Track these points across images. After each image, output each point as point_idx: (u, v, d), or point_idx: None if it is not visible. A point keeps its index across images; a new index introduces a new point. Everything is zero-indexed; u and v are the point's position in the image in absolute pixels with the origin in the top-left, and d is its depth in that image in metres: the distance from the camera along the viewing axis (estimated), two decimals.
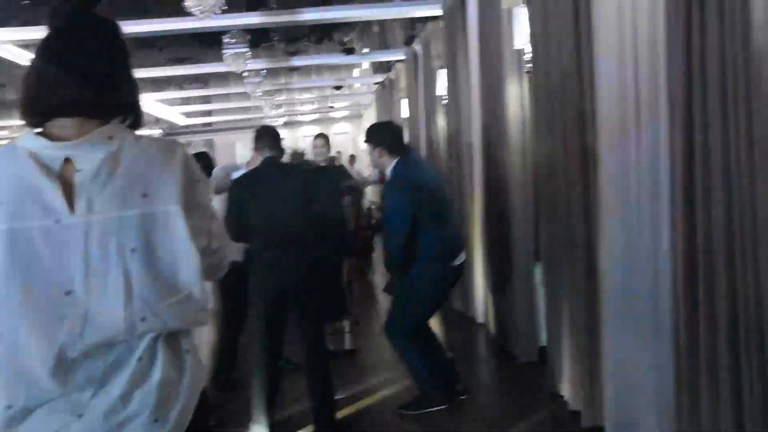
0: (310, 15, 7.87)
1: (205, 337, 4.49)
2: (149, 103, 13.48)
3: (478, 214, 6.36)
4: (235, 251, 4.19)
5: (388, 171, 4.55)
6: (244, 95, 14.72)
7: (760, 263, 2.35)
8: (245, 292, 4.24)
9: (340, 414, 4.43)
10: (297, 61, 13.13)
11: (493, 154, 5.64)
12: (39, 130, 1.56)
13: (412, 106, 9.61)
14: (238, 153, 19.51)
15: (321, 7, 7.73)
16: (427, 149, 8.60)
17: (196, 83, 17.94)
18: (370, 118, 17.51)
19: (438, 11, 7.26)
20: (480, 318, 6.59)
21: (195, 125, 20.71)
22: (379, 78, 13.85)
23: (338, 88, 15.91)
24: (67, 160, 1.51)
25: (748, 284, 2.42)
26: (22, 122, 1.60)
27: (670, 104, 2.82)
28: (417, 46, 8.93)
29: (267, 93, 14.11)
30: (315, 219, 4.21)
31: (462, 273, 4.88)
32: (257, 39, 13.75)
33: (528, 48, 4.60)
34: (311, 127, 21.59)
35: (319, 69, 19.35)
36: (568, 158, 3.93)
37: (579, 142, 3.79)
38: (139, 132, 1.67)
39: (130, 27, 7.14)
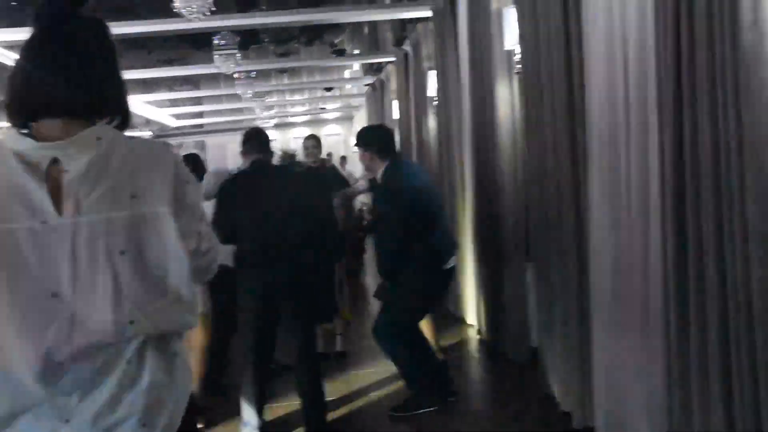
0: (300, 16, 7.87)
1: (195, 340, 4.46)
2: (140, 104, 13.43)
3: (469, 215, 6.35)
4: (224, 255, 4.18)
5: (379, 174, 4.54)
6: (235, 97, 14.69)
7: (751, 263, 2.35)
8: (235, 294, 4.22)
9: (331, 416, 4.41)
10: (288, 63, 13.11)
11: (484, 155, 5.64)
12: (25, 131, 1.55)
13: (403, 108, 9.60)
14: (230, 154, 19.45)
15: (311, 9, 7.71)
16: (418, 151, 8.59)
17: (186, 85, 17.90)
18: (361, 119, 17.50)
19: (428, 12, 7.25)
20: (471, 319, 6.59)
21: (186, 127, 20.64)
22: (370, 80, 13.85)
23: (329, 89, 15.91)
24: (54, 161, 1.49)
25: (738, 284, 2.42)
26: (8, 123, 1.58)
27: (659, 104, 2.82)
28: (407, 48, 8.92)
29: (258, 94, 14.09)
30: (304, 221, 4.19)
31: (453, 276, 4.88)
32: (248, 40, 13.74)
33: (518, 49, 4.60)
34: (302, 129, 21.57)
35: (309, 70, 19.36)
36: (558, 159, 3.93)
37: (569, 142, 3.79)
38: (128, 133, 1.66)
39: (120, 28, 7.10)
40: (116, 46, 1.67)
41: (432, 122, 7.88)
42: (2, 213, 1.46)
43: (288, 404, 4.64)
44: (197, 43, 13.45)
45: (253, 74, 12.02)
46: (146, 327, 1.52)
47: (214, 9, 5.88)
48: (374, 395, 5.04)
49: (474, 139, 5.94)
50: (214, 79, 15.69)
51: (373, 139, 4.63)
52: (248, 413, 4.18)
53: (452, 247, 4.72)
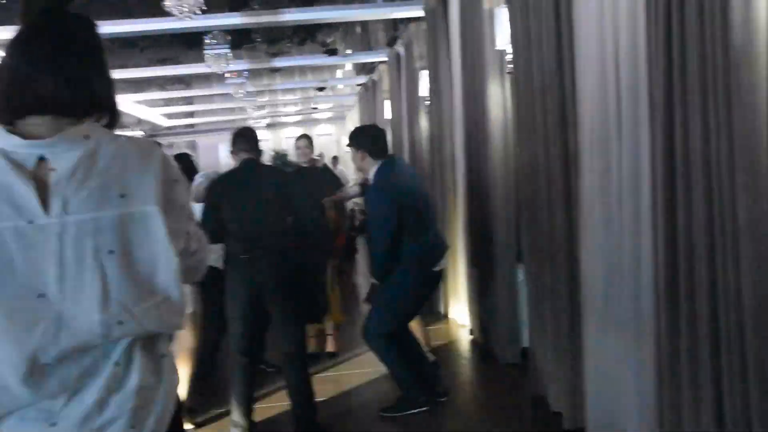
0: (292, 16, 7.84)
1: (184, 341, 4.44)
2: (131, 104, 13.39)
3: (461, 215, 6.35)
4: (214, 257, 4.16)
5: (371, 175, 4.54)
6: (227, 96, 14.64)
7: (741, 263, 2.35)
8: (225, 294, 4.21)
9: (321, 416, 4.40)
10: (280, 62, 13.08)
11: (476, 155, 5.64)
12: (10, 128, 1.52)
13: (395, 108, 9.59)
14: (221, 154, 19.41)
15: (303, 8, 7.69)
16: (410, 151, 8.58)
17: (178, 84, 17.85)
18: (353, 119, 17.49)
19: (420, 12, 7.25)
20: (462, 319, 6.58)
21: (177, 127, 20.59)
22: (362, 79, 13.83)
23: (321, 89, 15.88)
24: (41, 159, 1.47)
25: (729, 284, 2.42)
26: None
27: (650, 104, 2.83)
28: (399, 48, 8.92)
29: (250, 94, 14.05)
30: (293, 220, 4.18)
31: (441, 278, 4.88)
32: (240, 40, 13.71)
33: (509, 48, 4.60)
34: (294, 129, 21.53)
35: (302, 70, 19.33)
36: (549, 159, 3.92)
37: (560, 142, 3.79)
38: (116, 132, 1.64)
39: (111, 27, 7.08)
40: (105, 44, 1.65)
41: (424, 122, 7.87)
42: None
43: (277, 405, 4.63)
44: (189, 43, 13.40)
45: (245, 74, 11.98)
46: (134, 327, 1.50)
47: (205, 8, 5.86)
48: (364, 396, 5.03)
49: (466, 139, 5.94)
50: (205, 78, 15.66)
51: (366, 138, 4.63)
52: (237, 414, 4.17)
53: (442, 249, 4.72)
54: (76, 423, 1.47)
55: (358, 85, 14.70)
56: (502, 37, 4.77)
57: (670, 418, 2.85)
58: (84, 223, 1.46)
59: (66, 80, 1.53)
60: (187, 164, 5.66)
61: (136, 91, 13.93)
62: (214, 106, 17.95)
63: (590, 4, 3.31)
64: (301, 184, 5.42)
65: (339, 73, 17.74)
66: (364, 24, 13.84)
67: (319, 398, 4.45)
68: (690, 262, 2.63)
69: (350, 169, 11.47)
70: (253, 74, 14.55)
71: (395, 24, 9.50)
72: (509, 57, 4.65)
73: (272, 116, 21.69)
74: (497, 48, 4.95)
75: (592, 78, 3.35)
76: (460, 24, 5.91)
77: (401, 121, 9.17)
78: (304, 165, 6.45)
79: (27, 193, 1.44)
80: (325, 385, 5.08)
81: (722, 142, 2.38)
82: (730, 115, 2.34)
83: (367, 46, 13.81)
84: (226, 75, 11.12)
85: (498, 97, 5.17)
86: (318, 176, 6.60)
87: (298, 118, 23.05)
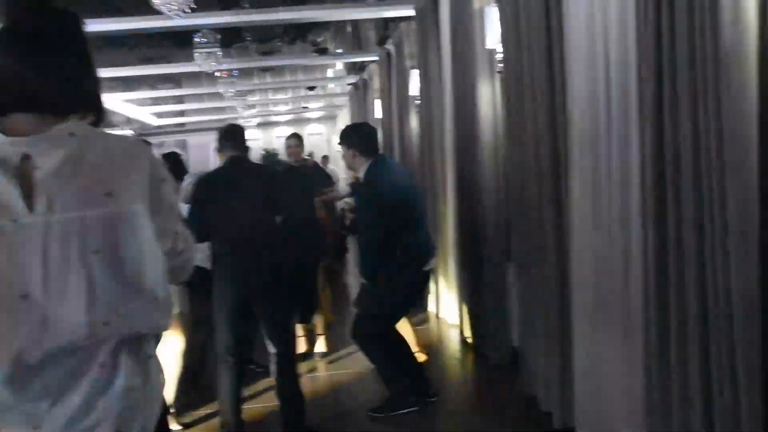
0: (282, 15, 7.81)
1: (172, 341, 4.41)
2: (120, 103, 13.32)
3: (451, 214, 6.35)
4: (201, 257, 4.13)
5: (361, 173, 4.52)
6: (217, 96, 14.59)
7: (731, 263, 2.35)
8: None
9: (310, 416, 4.37)
10: (270, 62, 13.04)
11: (466, 154, 5.63)
12: None
13: (386, 107, 9.58)
14: (212, 154, 19.33)
15: (293, 7, 7.66)
16: (401, 150, 8.58)
17: (168, 83, 17.77)
18: (344, 119, 17.46)
19: (410, 11, 7.24)
20: (452, 319, 6.58)
21: (167, 126, 20.50)
22: (353, 79, 13.82)
23: (312, 88, 15.85)
24: (25, 157, 1.45)
25: (719, 284, 2.42)
26: None
27: (640, 103, 2.82)
28: (390, 47, 8.91)
29: (240, 93, 14.01)
30: (283, 219, 4.15)
31: (430, 278, 4.88)
32: (230, 39, 13.66)
33: (500, 48, 4.60)
34: (285, 128, 21.47)
35: (292, 69, 19.28)
36: (539, 159, 3.92)
37: (551, 142, 3.78)
38: (102, 130, 1.61)
39: (100, 25, 7.04)
40: (94, 42, 1.63)
41: (414, 121, 7.87)
42: None
43: (266, 405, 4.61)
44: (179, 41, 13.35)
45: (236, 73, 11.94)
46: (121, 329, 1.48)
47: (194, 6, 5.83)
48: (354, 396, 5.02)
49: (456, 139, 5.93)
50: (196, 77, 15.59)
51: (357, 137, 4.61)
52: (225, 414, 4.14)
53: (432, 248, 4.71)
54: (61, 426, 1.45)
55: (349, 84, 14.67)
56: (492, 36, 4.77)
57: (659, 418, 2.85)
58: (69, 223, 1.44)
59: (51, 77, 1.51)
60: (175, 163, 5.63)
61: (125, 90, 13.86)
62: (204, 105, 17.88)
63: (580, 3, 3.31)
64: (292, 183, 5.40)
65: (330, 73, 17.73)
66: (355, 23, 13.82)
67: (308, 398, 4.43)
68: (679, 261, 2.63)
69: (341, 168, 11.45)
70: (244, 73, 14.51)
71: (386, 23, 9.48)
72: (499, 56, 4.65)
73: (263, 115, 21.63)
74: (487, 47, 4.95)
75: (582, 77, 3.35)
76: (450, 23, 5.90)
77: (392, 121, 9.16)
78: (295, 164, 6.42)
79: (11, 192, 1.42)
80: (315, 384, 5.06)
81: (712, 142, 2.38)
82: (720, 115, 2.33)
83: (358, 46, 13.79)
84: (217, 74, 11.09)
85: (488, 97, 5.17)
86: (309, 175, 6.58)
87: (289, 117, 23.01)
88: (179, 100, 18.47)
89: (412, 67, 7.55)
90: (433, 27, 6.54)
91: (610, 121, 3.14)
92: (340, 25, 15.20)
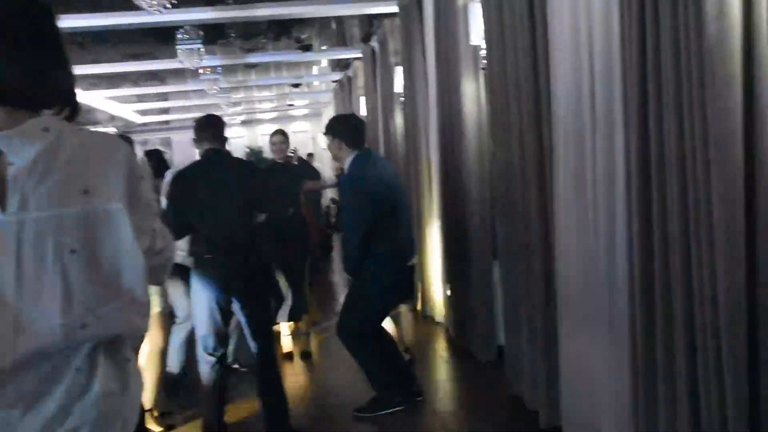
0: (265, 11, 7.76)
1: (153, 342, 4.36)
2: (103, 100, 13.22)
3: (436, 212, 6.33)
4: (182, 255, 4.06)
5: (346, 165, 4.49)
6: (202, 93, 14.52)
7: (716, 262, 2.34)
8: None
9: (295, 416, 4.34)
10: (254, 58, 12.98)
11: (450, 151, 5.61)
12: None
13: (371, 104, 9.56)
14: (196, 151, 19.23)
15: (277, 3, 7.59)
16: (385, 147, 8.55)
17: (152, 80, 17.65)
18: (329, 116, 17.36)
19: (394, 8, 7.21)
20: (438, 317, 6.56)
21: (151, 123, 20.39)
22: (337, 76, 13.78)
23: (296, 85, 15.79)
24: None
25: (704, 283, 2.41)
26: None
27: (624, 100, 2.81)
28: (374, 44, 8.88)
29: (224, 90, 13.94)
30: (267, 217, 4.08)
31: (413, 274, 4.86)
32: (214, 35, 13.58)
33: (484, 44, 4.57)
34: (270, 125, 21.40)
35: (277, 66, 19.21)
36: (524, 156, 3.90)
37: (535, 139, 3.76)
38: (78, 125, 1.57)
39: (80, 20, 6.98)
40: (74, 37, 1.59)
41: (399, 118, 7.85)
42: None
43: (250, 405, 4.56)
44: (163, 38, 13.25)
45: (219, 70, 11.88)
46: (99, 331, 1.43)
47: (175, 2, 5.78)
48: (339, 395, 4.99)
49: (440, 135, 5.91)
50: (180, 74, 15.50)
51: (344, 127, 4.56)
52: (207, 415, 4.08)
53: (413, 245, 4.70)
54: None
55: (334, 81, 14.64)
56: (476, 32, 4.75)
57: (645, 417, 2.84)
58: (44, 221, 1.38)
59: (21, 70, 1.46)
60: (158, 160, 5.58)
61: (109, 87, 13.76)
62: (188, 102, 17.78)
63: None
64: (276, 180, 5.34)
65: (315, 70, 17.68)
66: (339, 20, 13.78)
67: (293, 397, 4.40)
68: (665, 260, 2.62)
69: (326, 165, 11.41)
70: (228, 70, 14.44)
71: (370, 20, 9.46)
72: (483, 52, 4.63)
73: (247, 113, 21.57)
74: (471, 43, 4.93)
75: (567, 73, 3.33)
76: (434, 20, 5.88)
77: (376, 118, 9.13)
78: (279, 161, 6.37)
79: None
80: (300, 384, 5.03)
81: (697, 139, 2.37)
82: (705, 111, 2.32)
83: (342, 42, 13.75)
84: (200, 71, 11.03)
85: (472, 93, 5.16)
86: (295, 170, 6.53)
87: (274, 114, 22.96)
88: (163, 97, 18.36)
89: (397, 64, 7.53)
90: (417, 23, 6.52)
91: (595, 117, 3.12)
92: (324, 21, 15.15)
